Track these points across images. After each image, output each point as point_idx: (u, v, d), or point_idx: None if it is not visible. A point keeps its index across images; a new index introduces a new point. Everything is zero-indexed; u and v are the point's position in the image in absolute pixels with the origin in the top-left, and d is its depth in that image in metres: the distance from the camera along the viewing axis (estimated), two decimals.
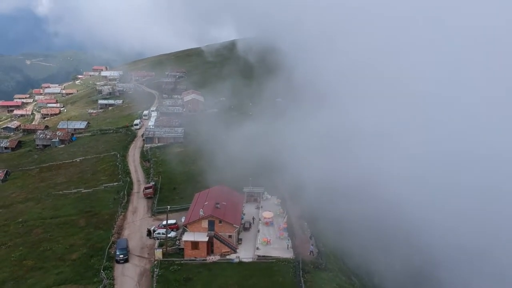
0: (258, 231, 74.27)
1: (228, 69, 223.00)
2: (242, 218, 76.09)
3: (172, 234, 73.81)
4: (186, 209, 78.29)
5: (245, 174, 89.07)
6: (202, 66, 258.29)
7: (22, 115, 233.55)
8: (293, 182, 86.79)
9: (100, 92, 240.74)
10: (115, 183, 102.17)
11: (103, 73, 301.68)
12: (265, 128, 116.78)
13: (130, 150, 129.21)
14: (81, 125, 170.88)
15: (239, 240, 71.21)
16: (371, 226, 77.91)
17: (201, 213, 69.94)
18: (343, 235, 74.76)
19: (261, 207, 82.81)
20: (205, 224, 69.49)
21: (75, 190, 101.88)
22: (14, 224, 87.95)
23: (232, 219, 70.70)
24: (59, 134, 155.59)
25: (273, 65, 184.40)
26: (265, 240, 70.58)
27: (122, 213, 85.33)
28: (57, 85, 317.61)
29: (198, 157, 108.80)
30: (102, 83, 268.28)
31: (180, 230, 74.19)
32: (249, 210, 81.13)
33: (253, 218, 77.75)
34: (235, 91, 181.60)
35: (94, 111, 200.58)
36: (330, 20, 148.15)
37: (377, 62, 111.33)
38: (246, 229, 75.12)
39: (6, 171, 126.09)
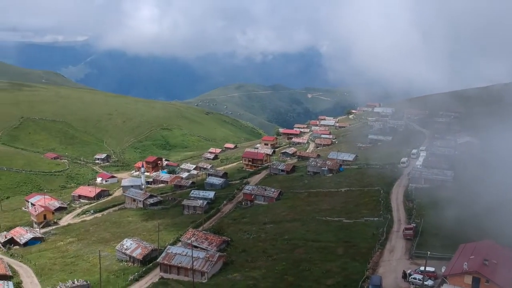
0: None
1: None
2: None
3: (430, 282, 69.09)
4: (447, 259, 72.09)
5: None
6: (482, 108, 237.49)
7: (298, 143, 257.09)
8: None
9: (371, 127, 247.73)
10: (375, 218, 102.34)
11: (376, 109, 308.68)
12: None
13: (394, 187, 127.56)
14: (349, 157, 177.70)
15: None
16: None
17: (465, 266, 63.59)
18: None
19: None
20: (468, 280, 62.88)
21: (336, 219, 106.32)
22: (281, 240, 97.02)
23: (502, 281, 61.77)
24: (329, 163, 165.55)
25: None
26: None
27: (379, 250, 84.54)
28: (332, 118, 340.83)
29: (469, 205, 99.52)
30: (373, 118, 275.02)
31: (439, 281, 68.86)
32: None
33: None
34: None
35: (364, 145, 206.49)
36: None
37: None
38: None
39: (280, 191, 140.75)
